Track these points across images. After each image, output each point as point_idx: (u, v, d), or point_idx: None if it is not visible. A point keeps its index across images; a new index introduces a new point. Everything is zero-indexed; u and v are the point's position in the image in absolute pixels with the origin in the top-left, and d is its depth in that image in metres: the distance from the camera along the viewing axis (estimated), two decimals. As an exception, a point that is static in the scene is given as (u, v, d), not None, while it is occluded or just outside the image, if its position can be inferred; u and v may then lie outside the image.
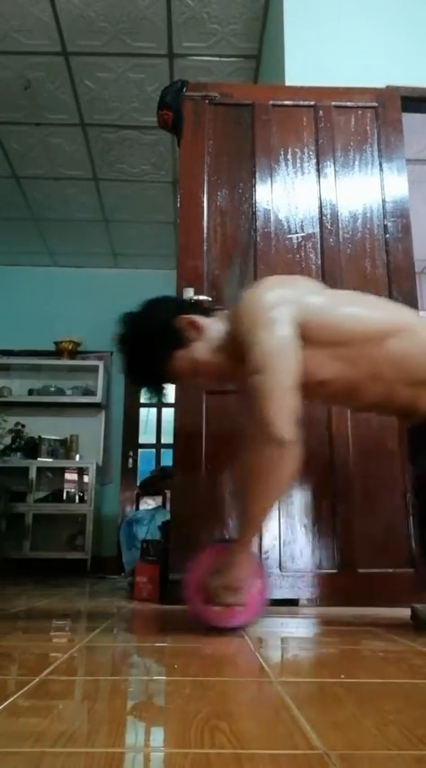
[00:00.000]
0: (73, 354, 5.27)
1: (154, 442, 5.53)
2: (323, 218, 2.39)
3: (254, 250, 2.35)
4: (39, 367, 5.21)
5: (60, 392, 5.13)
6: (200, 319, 1.50)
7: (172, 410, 2.31)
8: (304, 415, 1.37)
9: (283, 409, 1.30)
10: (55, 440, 5.03)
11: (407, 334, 1.44)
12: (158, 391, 1.58)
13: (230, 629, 1.38)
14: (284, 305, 1.39)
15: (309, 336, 1.39)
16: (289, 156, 2.47)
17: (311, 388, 1.45)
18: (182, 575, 1.47)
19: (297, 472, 1.35)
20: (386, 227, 2.39)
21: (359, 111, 2.52)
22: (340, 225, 2.39)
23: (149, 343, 1.47)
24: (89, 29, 3.24)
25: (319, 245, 2.36)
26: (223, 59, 3.43)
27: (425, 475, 1.56)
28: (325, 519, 2.08)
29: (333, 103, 2.51)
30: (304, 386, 1.42)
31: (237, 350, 1.41)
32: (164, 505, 3.76)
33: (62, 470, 4.93)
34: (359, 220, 2.40)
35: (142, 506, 4.71)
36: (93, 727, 0.66)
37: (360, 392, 1.49)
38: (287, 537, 2.06)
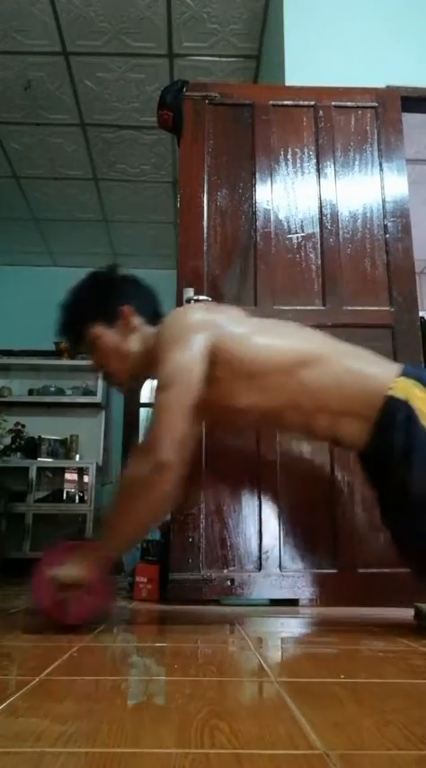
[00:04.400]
0: (73, 354, 5.27)
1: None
2: (324, 218, 2.39)
3: (254, 250, 2.35)
4: (39, 367, 5.21)
5: (60, 392, 5.13)
6: (138, 322, 1.55)
7: (172, 410, 2.31)
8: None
9: (172, 432, 1.32)
10: (55, 440, 5.03)
11: (321, 364, 1.45)
12: (71, 343, 1.65)
13: (66, 625, 1.34)
14: (202, 331, 1.42)
15: (225, 366, 1.42)
16: (289, 156, 2.47)
17: (229, 415, 1.51)
18: (34, 570, 1.42)
19: (171, 496, 1.36)
20: (386, 227, 2.39)
21: (359, 111, 2.52)
22: (340, 225, 2.39)
23: (89, 297, 1.58)
24: (89, 29, 3.24)
25: (319, 245, 2.36)
26: (223, 59, 3.43)
27: (390, 509, 1.50)
28: (325, 518, 2.08)
29: (333, 103, 2.51)
30: (222, 412, 1.48)
31: (146, 363, 1.48)
32: (163, 505, 3.75)
33: (62, 470, 4.92)
34: (359, 220, 2.40)
35: (142, 506, 4.70)
36: (93, 727, 0.66)
37: (281, 421, 1.51)
38: (287, 537, 2.06)
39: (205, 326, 1.43)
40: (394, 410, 1.36)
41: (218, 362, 1.41)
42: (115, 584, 1.59)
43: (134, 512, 1.34)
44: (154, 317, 1.58)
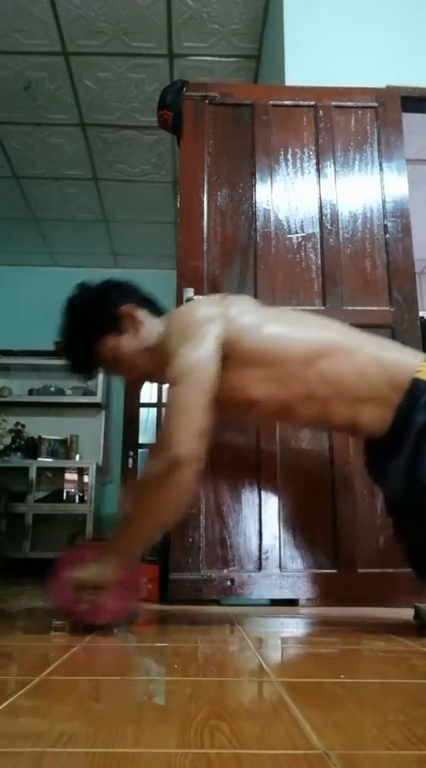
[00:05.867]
0: (73, 354, 5.26)
1: (154, 442, 5.53)
2: (324, 218, 2.39)
3: (254, 250, 2.35)
4: (39, 367, 5.21)
5: (60, 392, 5.13)
6: (142, 315, 1.50)
7: (172, 410, 2.31)
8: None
9: (188, 426, 1.28)
10: (55, 440, 5.03)
11: (340, 354, 1.41)
12: (83, 371, 1.58)
13: (95, 626, 1.33)
14: (213, 323, 1.38)
15: (238, 357, 1.38)
16: (289, 156, 2.47)
17: (243, 408, 1.46)
18: (54, 571, 1.42)
19: (190, 492, 1.33)
20: (386, 227, 2.39)
21: (359, 111, 2.52)
22: (340, 225, 2.39)
23: (85, 317, 1.50)
24: (89, 29, 3.24)
25: (319, 245, 2.36)
26: (223, 59, 3.43)
27: (393, 493, 1.50)
28: (325, 518, 2.08)
29: (333, 103, 2.51)
30: (235, 405, 1.43)
31: (160, 356, 1.40)
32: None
33: (62, 470, 4.92)
34: (359, 220, 2.40)
35: (142, 506, 4.70)
36: (93, 727, 0.66)
37: (294, 412, 1.47)
38: (286, 536, 2.06)
39: (215, 319, 1.39)
40: (421, 392, 1.34)
41: (232, 354, 1.38)
42: (139, 583, 1.59)
43: (154, 509, 1.31)
44: (153, 305, 1.54)
